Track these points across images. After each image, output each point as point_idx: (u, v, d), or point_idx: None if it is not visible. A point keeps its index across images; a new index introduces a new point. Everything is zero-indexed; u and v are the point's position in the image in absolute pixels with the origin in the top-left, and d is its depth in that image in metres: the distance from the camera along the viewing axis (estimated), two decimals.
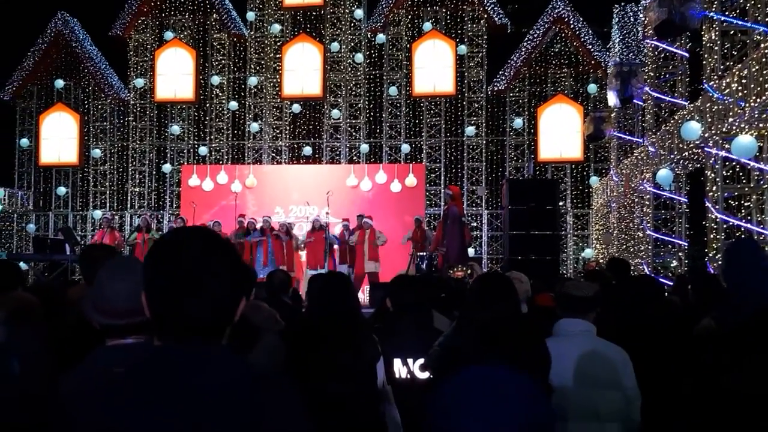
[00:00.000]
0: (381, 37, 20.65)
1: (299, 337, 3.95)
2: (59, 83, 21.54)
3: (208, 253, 1.58)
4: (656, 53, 14.39)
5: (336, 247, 15.83)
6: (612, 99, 15.89)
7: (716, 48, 10.62)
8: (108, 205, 21.71)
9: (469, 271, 11.32)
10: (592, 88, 19.93)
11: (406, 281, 4.70)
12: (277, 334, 4.07)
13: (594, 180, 20.05)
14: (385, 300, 5.00)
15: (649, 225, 13.94)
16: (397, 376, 4.32)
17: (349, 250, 15.56)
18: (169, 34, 21.27)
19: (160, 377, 1.53)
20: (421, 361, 4.20)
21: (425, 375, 4.19)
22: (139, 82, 21.26)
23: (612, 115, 17.94)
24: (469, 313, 3.87)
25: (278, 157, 21.32)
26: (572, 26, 20.27)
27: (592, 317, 3.73)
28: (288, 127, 21.44)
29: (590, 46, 20.11)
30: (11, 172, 22.29)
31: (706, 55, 10.88)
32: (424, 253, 14.84)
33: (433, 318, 4.65)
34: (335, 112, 20.61)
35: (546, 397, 2.32)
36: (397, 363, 4.34)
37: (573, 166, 20.59)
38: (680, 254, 14.01)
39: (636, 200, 15.02)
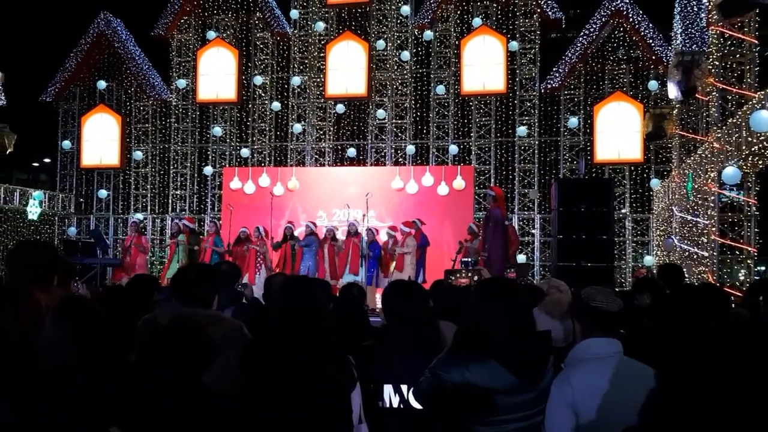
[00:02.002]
0: (428, 34, 19.84)
1: (254, 355, 3.12)
2: (101, 84, 21.25)
3: None
4: (721, 41, 13.15)
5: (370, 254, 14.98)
6: (673, 92, 14.70)
7: None
8: (149, 208, 21.32)
9: (475, 278, 10.27)
10: (653, 84, 18.67)
11: (402, 288, 3.81)
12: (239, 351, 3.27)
13: (655, 182, 18.80)
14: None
15: (714, 230, 12.74)
16: (387, 405, 3.46)
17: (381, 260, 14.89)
18: (211, 34, 20.87)
19: None
20: None
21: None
22: (181, 83, 20.85)
23: (674, 112, 16.73)
24: (467, 326, 3.01)
25: (321, 159, 20.63)
26: (631, 20, 19.08)
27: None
28: (332, 128, 20.75)
29: (651, 41, 18.89)
30: (53, 175, 22.03)
31: None
32: (469, 259, 13.90)
33: (445, 334, 3.74)
34: (380, 112, 19.81)
35: None
36: (388, 389, 3.48)
37: (632, 167, 19.31)
38: (749, 262, 12.73)
39: (700, 203, 13.82)
